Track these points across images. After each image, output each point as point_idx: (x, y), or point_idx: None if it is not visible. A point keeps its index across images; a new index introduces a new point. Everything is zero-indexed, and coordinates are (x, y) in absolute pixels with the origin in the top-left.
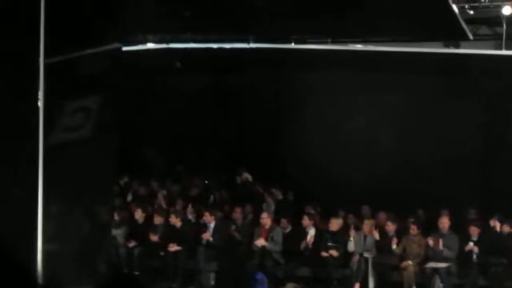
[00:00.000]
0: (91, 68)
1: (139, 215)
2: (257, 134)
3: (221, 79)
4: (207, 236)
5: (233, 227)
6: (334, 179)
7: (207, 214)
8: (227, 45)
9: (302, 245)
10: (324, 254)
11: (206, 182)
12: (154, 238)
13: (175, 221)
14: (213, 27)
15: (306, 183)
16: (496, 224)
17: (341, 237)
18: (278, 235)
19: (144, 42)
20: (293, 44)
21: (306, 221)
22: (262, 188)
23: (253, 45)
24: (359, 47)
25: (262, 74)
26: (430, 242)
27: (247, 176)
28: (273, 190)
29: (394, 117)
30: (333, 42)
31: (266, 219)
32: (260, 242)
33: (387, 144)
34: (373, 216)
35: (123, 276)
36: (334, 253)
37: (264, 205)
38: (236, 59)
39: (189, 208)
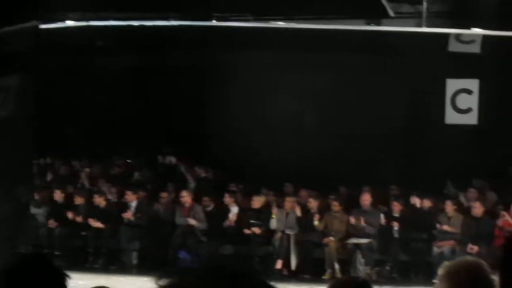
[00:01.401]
0: (8, 47)
1: (58, 195)
2: (181, 112)
3: (143, 57)
4: (129, 215)
5: (158, 206)
6: (257, 157)
7: (129, 193)
8: (148, 23)
9: (225, 223)
10: (246, 231)
11: (129, 161)
12: (76, 218)
13: (99, 200)
14: (134, 4)
15: (229, 161)
16: (416, 200)
17: (263, 215)
18: (199, 213)
19: (63, 19)
20: (214, 21)
21: (227, 198)
22: (185, 166)
23: (174, 23)
24: (281, 24)
25: (184, 52)
26: (352, 220)
27: (170, 159)
28: (196, 169)
29: (316, 95)
30: (255, 19)
31: (186, 197)
32: (191, 221)
33: (309, 122)
34: (295, 193)
35: (37, 256)
36: (256, 230)
37: (189, 184)
38: (158, 37)
39: (111, 188)
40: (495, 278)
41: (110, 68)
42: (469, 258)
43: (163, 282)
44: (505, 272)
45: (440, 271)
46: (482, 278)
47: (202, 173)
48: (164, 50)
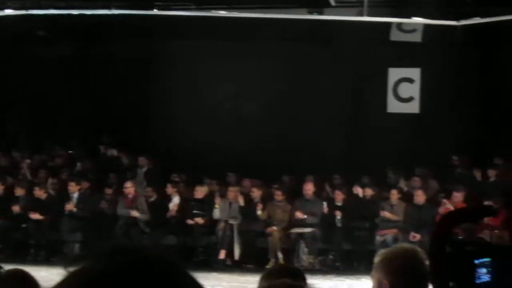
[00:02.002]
0: None
1: None
2: (122, 102)
3: (84, 46)
4: (71, 206)
5: (102, 201)
6: (199, 147)
7: (72, 184)
8: (89, 12)
9: (168, 214)
10: (189, 221)
11: (70, 152)
12: (16, 209)
13: (40, 193)
14: None
15: (171, 151)
16: (358, 189)
17: (206, 205)
18: (142, 204)
19: (2, 7)
20: (155, 10)
21: (169, 189)
22: (128, 157)
23: (115, 12)
24: (223, 13)
25: (126, 41)
26: (298, 214)
27: (112, 152)
28: (140, 159)
29: (258, 84)
30: (197, 8)
31: (129, 188)
32: (133, 213)
33: (252, 111)
34: (238, 183)
35: None
36: (199, 220)
37: (130, 174)
38: (98, 26)
39: (52, 179)
40: None
41: (50, 57)
42: (405, 245)
43: (73, 267)
44: (434, 259)
45: (377, 259)
46: (417, 265)
47: (145, 163)
48: (105, 39)
